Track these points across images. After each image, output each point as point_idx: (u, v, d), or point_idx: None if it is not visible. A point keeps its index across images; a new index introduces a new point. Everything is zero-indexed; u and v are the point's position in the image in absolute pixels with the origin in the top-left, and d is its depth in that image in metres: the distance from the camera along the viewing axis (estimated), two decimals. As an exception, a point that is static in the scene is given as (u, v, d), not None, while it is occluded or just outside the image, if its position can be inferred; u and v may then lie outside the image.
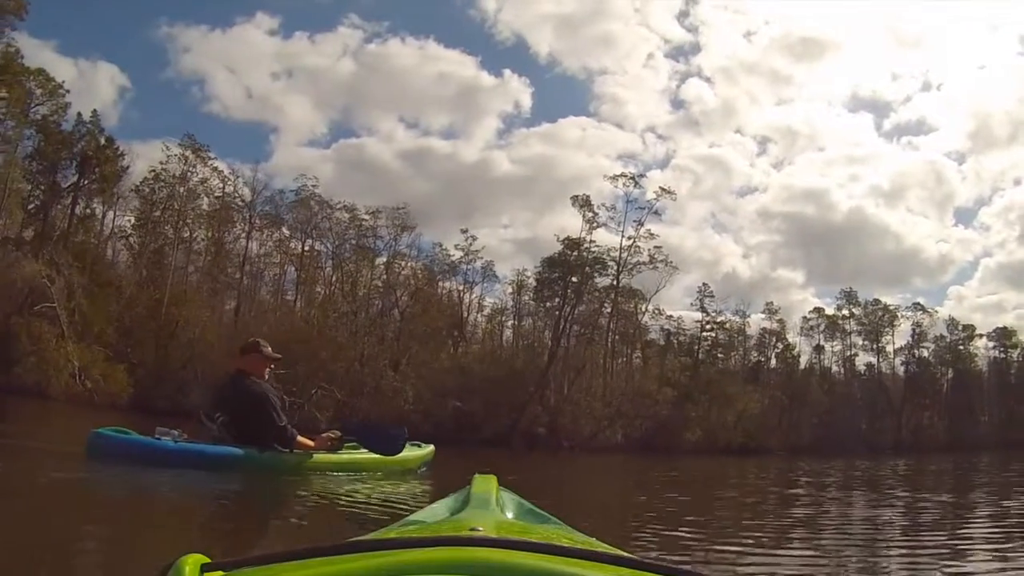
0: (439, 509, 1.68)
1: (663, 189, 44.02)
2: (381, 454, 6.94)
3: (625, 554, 0.98)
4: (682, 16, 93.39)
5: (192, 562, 0.79)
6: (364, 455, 6.88)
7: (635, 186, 43.32)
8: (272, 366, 6.75)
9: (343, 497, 5.32)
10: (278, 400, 6.46)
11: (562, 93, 78.50)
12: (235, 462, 5.76)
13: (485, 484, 1.71)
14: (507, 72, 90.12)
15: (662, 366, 47.09)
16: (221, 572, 0.81)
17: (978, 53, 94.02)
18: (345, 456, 6.71)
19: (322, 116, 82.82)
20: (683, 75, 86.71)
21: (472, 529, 1.13)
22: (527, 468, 14.50)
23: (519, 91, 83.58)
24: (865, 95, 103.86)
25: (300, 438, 6.33)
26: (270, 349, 6.72)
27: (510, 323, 46.36)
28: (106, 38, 63.27)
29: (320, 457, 6.42)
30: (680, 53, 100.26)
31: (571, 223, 42.84)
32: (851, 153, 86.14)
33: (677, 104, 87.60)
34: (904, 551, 4.37)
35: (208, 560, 0.81)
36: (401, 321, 33.84)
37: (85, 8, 58.45)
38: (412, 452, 7.51)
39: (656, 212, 43.00)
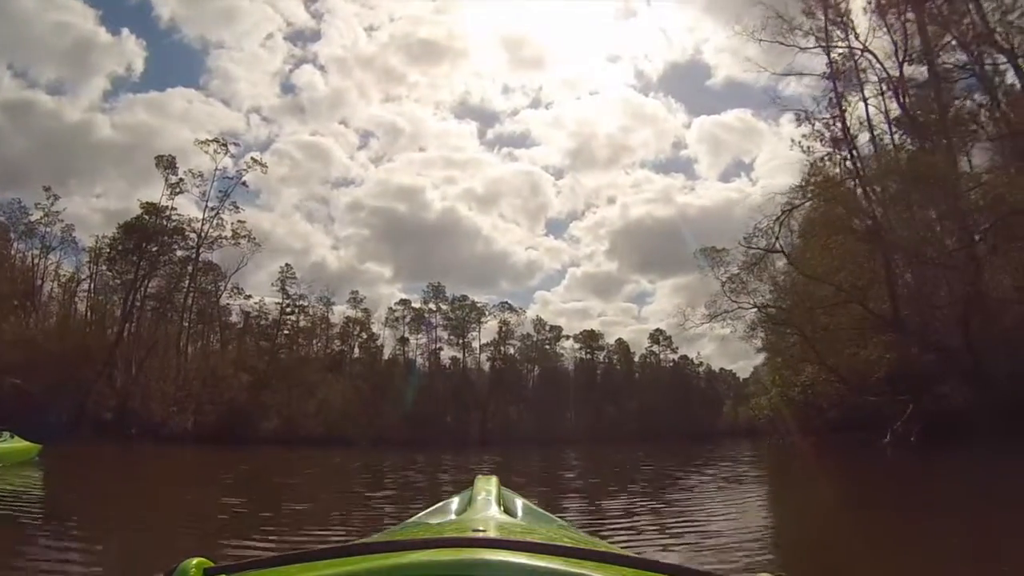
0: (443, 510, 1.73)
1: (254, 160, 44.79)
2: None
3: (627, 554, 0.99)
4: (310, 1, 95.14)
5: (195, 565, 0.82)
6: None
7: (226, 154, 43.11)
8: None
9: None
10: None
11: (176, 61, 76.66)
12: None
13: (487, 485, 1.75)
14: (125, 31, 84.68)
15: (240, 349, 46.08)
16: (224, 575, 0.84)
17: (593, 80, 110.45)
18: None
19: (-78, 51, 64.28)
20: (299, 60, 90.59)
21: (476, 530, 1.16)
22: (93, 464, 14.07)
23: (134, 53, 78.16)
24: (474, 103, 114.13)
25: None
26: None
27: (85, 294, 42.40)
28: None
29: None
30: (300, 38, 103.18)
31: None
32: (451, 156, 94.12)
33: (287, 88, 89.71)
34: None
35: (211, 563, 0.83)
36: (-47, 288, 29.78)
37: None
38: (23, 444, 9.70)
39: (244, 184, 43.39)
